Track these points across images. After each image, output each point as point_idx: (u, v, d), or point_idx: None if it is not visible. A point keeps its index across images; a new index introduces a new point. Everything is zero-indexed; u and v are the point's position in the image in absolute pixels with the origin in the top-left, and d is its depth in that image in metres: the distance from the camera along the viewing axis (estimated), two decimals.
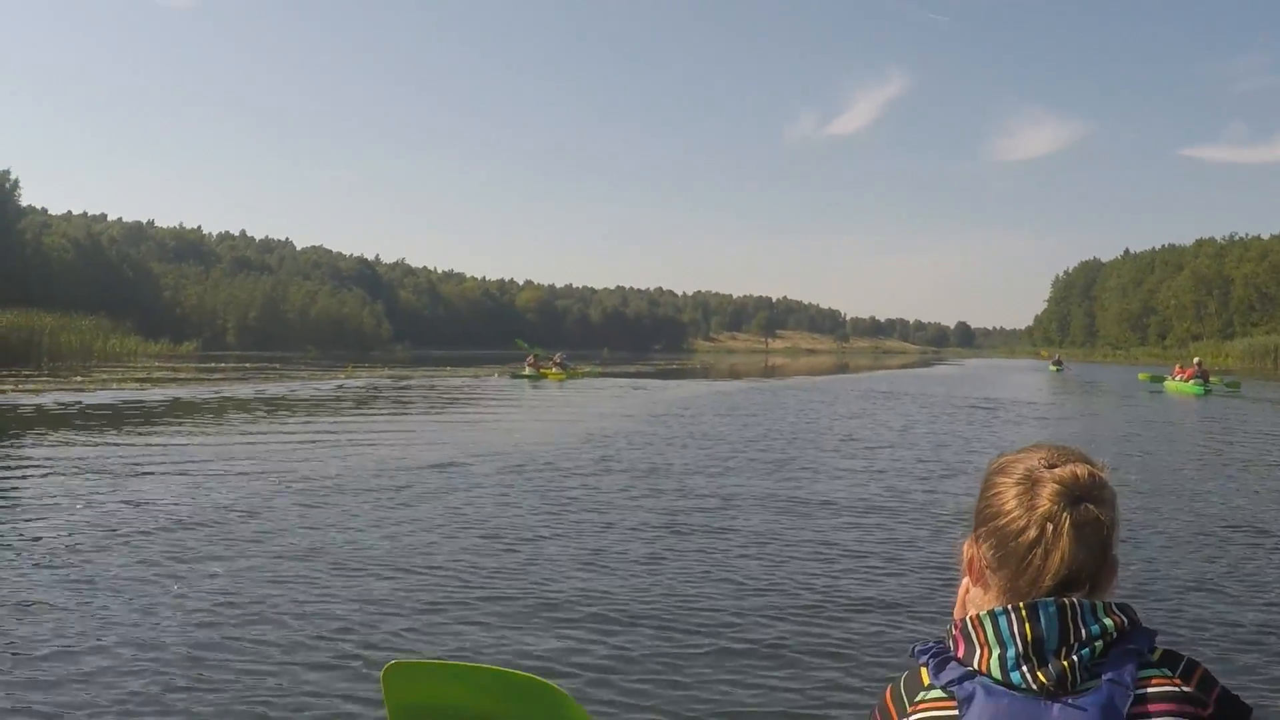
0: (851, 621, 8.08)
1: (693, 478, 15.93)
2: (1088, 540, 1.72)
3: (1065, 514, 1.72)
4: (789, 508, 13.08)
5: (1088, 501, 1.74)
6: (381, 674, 2.84)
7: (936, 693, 1.75)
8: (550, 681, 2.90)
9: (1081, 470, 1.76)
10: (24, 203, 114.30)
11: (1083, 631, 1.68)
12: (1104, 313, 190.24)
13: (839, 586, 9.14)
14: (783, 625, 7.94)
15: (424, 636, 7.51)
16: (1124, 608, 1.74)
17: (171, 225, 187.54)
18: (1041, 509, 1.74)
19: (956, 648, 1.77)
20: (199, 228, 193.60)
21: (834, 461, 18.29)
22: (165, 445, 19.44)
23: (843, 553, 10.50)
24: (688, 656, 7.15)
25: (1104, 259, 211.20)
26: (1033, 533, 1.73)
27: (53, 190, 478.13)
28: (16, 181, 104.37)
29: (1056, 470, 1.77)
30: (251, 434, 22.17)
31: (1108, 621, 1.69)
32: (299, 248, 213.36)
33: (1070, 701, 1.64)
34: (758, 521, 12.12)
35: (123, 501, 12.74)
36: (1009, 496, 1.78)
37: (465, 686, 2.86)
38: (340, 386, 42.72)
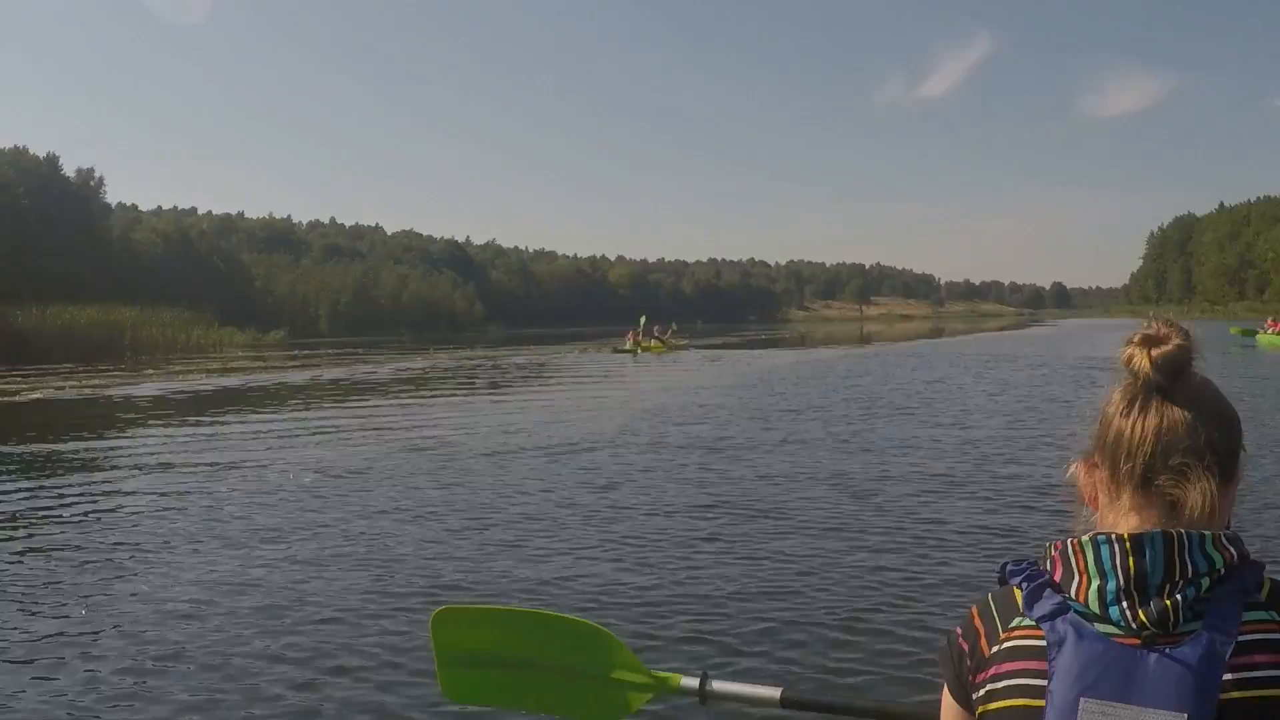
0: (914, 564, 8.21)
1: (767, 434, 16.24)
2: (1177, 417, 1.64)
3: (1149, 389, 1.67)
4: (872, 466, 13.04)
5: (1174, 378, 1.67)
6: (430, 619, 2.86)
7: (1030, 622, 1.65)
8: (597, 623, 2.90)
9: (1166, 348, 1.67)
10: (114, 200, 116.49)
11: (1189, 567, 1.58)
12: (1201, 268, 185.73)
13: (912, 530, 9.37)
14: (839, 573, 7.99)
15: (472, 582, 7.70)
16: (1234, 540, 1.62)
17: (261, 216, 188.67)
18: (1129, 391, 1.69)
19: (1054, 569, 1.68)
20: (289, 217, 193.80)
21: (915, 427, 18.25)
22: (211, 432, 20.11)
23: (923, 505, 10.49)
24: (736, 598, 7.22)
25: (1199, 214, 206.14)
26: (1123, 413, 1.68)
27: (143, 187, 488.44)
28: (101, 179, 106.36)
29: (1151, 350, 1.67)
30: (296, 417, 22.77)
31: (1216, 556, 1.59)
32: (389, 232, 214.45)
33: (1167, 652, 1.54)
34: (834, 474, 12.09)
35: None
36: (1116, 390, 1.73)
37: (512, 631, 2.87)
38: (401, 370, 42.84)
